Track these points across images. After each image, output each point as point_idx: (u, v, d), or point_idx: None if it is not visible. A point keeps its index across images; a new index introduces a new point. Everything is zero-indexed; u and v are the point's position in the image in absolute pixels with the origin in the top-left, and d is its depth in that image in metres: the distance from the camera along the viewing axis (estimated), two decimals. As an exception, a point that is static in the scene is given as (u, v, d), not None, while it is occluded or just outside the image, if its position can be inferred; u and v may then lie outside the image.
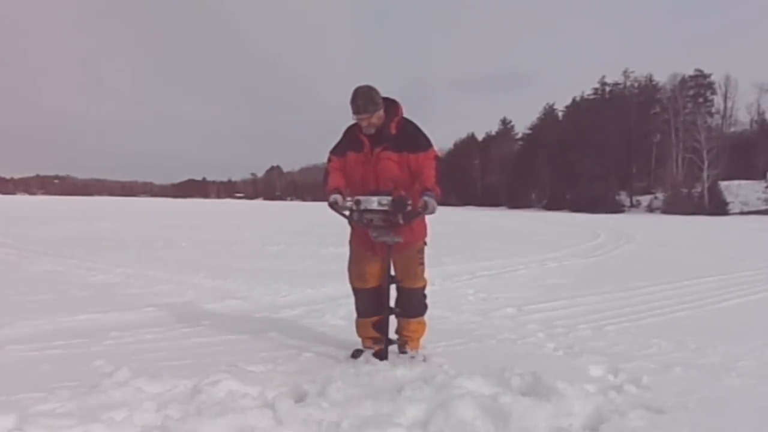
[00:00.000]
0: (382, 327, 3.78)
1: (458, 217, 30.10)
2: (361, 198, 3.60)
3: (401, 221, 3.54)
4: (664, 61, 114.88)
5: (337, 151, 3.85)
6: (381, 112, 3.63)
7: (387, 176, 3.66)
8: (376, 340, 3.90)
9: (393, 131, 3.67)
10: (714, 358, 3.97)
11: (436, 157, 3.71)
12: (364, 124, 3.63)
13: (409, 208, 3.54)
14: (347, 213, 3.72)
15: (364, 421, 2.65)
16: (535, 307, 5.78)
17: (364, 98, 3.56)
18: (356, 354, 3.86)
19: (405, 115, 3.76)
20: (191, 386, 3.05)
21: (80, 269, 8.12)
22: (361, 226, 3.69)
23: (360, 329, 3.98)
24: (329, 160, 3.87)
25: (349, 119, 3.73)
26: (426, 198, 3.53)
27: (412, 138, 3.69)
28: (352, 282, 3.94)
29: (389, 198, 3.54)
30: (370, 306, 3.88)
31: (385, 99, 3.68)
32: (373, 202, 3.55)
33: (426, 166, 3.63)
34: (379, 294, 3.84)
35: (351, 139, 3.76)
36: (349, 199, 3.77)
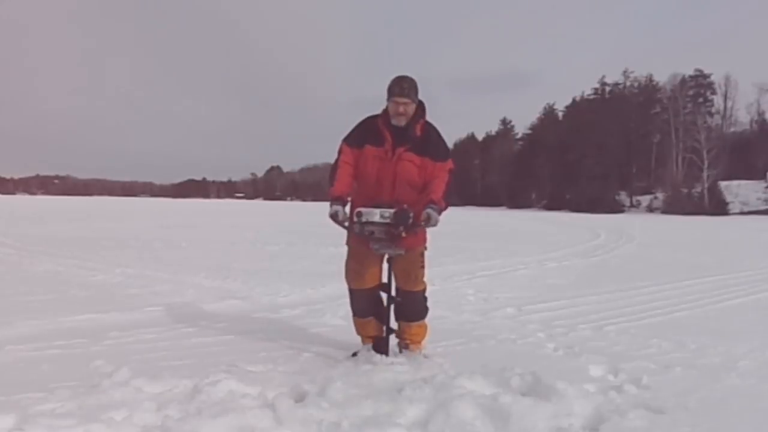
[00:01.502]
0: (382, 317, 3.75)
1: (458, 217, 30.09)
2: (363, 210, 3.51)
3: (404, 234, 3.48)
4: (664, 61, 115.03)
5: (353, 140, 3.66)
6: (414, 107, 3.55)
7: (405, 178, 3.57)
8: (375, 338, 3.88)
9: (418, 133, 3.57)
10: (714, 358, 3.97)
11: (451, 170, 3.62)
12: (400, 110, 3.49)
13: (411, 220, 3.49)
14: (347, 224, 3.65)
15: (364, 421, 2.65)
16: (535, 307, 5.78)
17: (410, 83, 3.50)
18: (356, 354, 3.83)
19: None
20: (191, 386, 3.05)
21: (80, 269, 8.12)
22: (362, 238, 3.59)
23: (359, 328, 3.93)
24: (341, 150, 3.68)
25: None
26: (429, 210, 3.46)
27: (435, 144, 3.62)
28: (348, 282, 3.86)
29: (391, 211, 3.46)
30: (367, 306, 3.84)
31: None
32: (375, 215, 3.47)
33: (439, 177, 3.56)
34: (377, 294, 3.82)
35: (371, 131, 3.60)
36: (349, 199, 3.73)
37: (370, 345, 3.86)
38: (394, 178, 3.57)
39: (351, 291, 3.87)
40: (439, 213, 3.50)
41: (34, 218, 23.12)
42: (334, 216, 3.58)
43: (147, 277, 7.40)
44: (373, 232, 3.50)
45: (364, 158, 3.61)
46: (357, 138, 3.66)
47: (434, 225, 3.50)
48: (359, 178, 3.67)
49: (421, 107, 3.62)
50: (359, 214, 3.52)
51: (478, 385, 3.09)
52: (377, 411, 2.77)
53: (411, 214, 3.47)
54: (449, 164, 3.63)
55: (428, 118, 3.68)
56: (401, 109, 3.50)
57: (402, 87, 3.48)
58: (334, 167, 3.69)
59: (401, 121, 3.54)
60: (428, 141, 3.60)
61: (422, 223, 3.50)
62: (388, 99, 3.53)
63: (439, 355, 3.90)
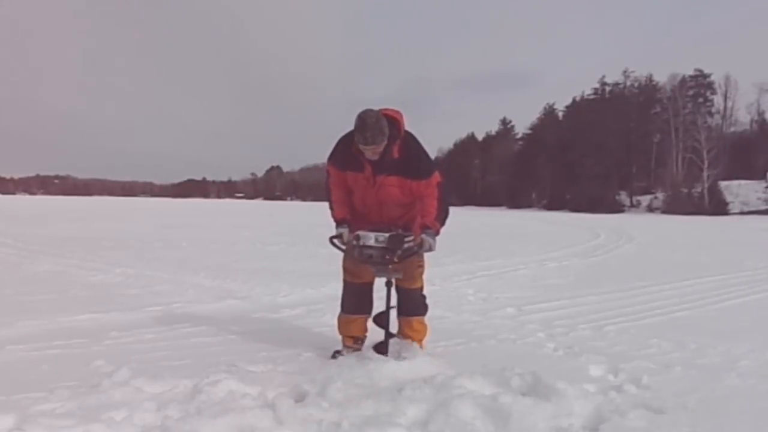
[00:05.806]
0: (382, 322, 3.74)
1: (458, 217, 30.08)
2: (361, 233, 3.54)
3: (396, 259, 3.46)
4: (664, 61, 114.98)
5: (335, 161, 3.67)
6: (384, 144, 3.41)
7: (390, 201, 3.60)
8: (356, 340, 3.89)
9: (396, 155, 3.48)
10: (714, 357, 3.97)
11: (439, 183, 3.55)
12: (368, 154, 3.43)
13: (408, 244, 3.47)
14: (344, 248, 3.67)
15: (364, 421, 2.65)
16: (535, 307, 5.78)
17: (373, 130, 3.30)
18: (336, 355, 3.82)
19: (405, 123, 3.56)
20: (191, 386, 3.05)
21: (80, 269, 8.12)
22: (361, 261, 3.61)
23: (342, 326, 3.93)
24: (328, 172, 3.74)
25: (347, 124, 3.65)
26: (424, 236, 3.48)
27: (415, 163, 3.52)
28: (344, 275, 3.89)
29: (386, 235, 3.47)
30: (358, 303, 3.85)
31: (385, 115, 3.41)
32: (371, 239, 3.50)
33: (428, 195, 3.53)
34: (369, 292, 3.84)
35: (349, 158, 3.55)
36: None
37: (350, 348, 3.86)
38: (379, 203, 3.62)
39: (345, 283, 3.90)
40: (436, 235, 3.51)
41: (34, 218, 23.12)
42: (338, 237, 3.64)
43: (147, 277, 7.40)
44: (371, 256, 3.52)
45: (349, 181, 3.66)
46: (339, 161, 3.65)
47: (429, 250, 3.53)
48: (348, 197, 3.74)
49: (396, 125, 3.45)
50: (357, 238, 3.56)
51: (478, 385, 3.09)
52: (377, 411, 2.77)
53: (407, 239, 3.47)
54: (435, 178, 3.54)
55: (407, 127, 3.55)
56: (369, 153, 3.44)
57: (365, 138, 3.32)
58: (327, 189, 3.76)
59: (375, 158, 3.48)
60: (408, 161, 3.50)
61: (416, 248, 3.51)
62: (356, 141, 3.40)
63: (439, 355, 3.90)
